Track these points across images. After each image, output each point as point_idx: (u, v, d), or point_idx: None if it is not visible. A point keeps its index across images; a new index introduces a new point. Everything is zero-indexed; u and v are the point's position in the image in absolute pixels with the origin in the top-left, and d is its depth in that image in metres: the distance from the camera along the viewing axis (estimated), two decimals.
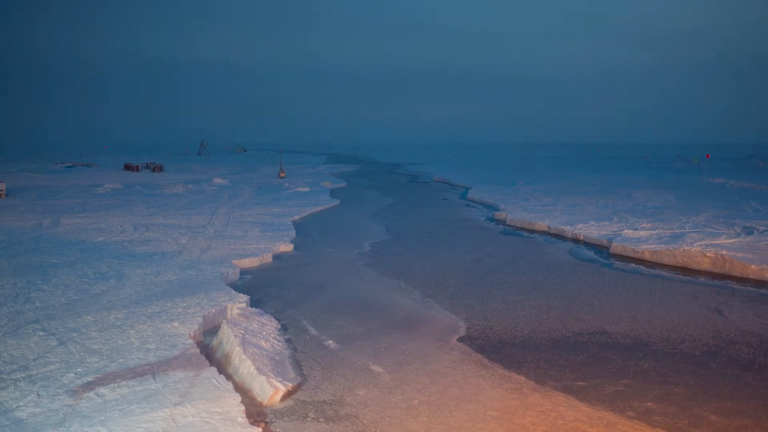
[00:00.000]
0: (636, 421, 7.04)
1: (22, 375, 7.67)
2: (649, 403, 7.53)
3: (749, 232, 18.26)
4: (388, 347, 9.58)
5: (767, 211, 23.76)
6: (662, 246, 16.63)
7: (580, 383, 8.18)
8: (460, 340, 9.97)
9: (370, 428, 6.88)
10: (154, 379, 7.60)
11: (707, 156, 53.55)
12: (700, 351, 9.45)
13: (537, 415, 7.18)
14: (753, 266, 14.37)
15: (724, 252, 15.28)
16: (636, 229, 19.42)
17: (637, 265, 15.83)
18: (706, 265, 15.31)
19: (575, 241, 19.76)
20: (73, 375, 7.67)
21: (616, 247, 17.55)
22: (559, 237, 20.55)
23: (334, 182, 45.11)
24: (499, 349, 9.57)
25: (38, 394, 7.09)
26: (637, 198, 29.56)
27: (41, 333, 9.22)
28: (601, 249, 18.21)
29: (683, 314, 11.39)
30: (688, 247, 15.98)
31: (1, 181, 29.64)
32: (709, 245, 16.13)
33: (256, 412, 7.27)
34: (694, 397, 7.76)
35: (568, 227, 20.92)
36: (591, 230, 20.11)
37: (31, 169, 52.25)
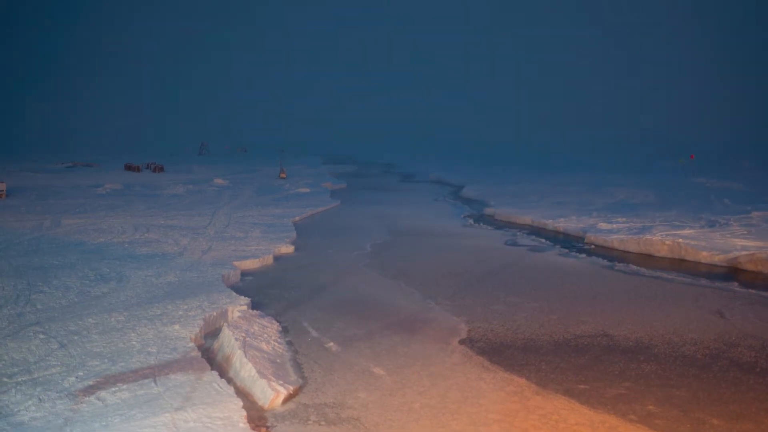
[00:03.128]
0: (638, 425, 7.03)
1: (23, 378, 7.67)
2: (650, 407, 7.52)
3: (711, 225, 20.34)
4: (389, 349, 9.57)
5: (736, 207, 25.57)
6: (629, 236, 18.67)
7: (582, 386, 8.17)
8: (461, 342, 9.96)
9: (371, 431, 6.88)
10: (155, 383, 7.59)
11: (692, 157, 56.16)
12: (702, 354, 9.44)
13: (539, 419, 7.18)
14: (704, 252, 16.66)
15: (680, 240, 17.54)
16: (611, 223, 21.38)
17: (638, 267, 15.82)
18: (664, 251, 17.52)
19: (555, 233, 21.65)
20: (74, 378, 7.66)
21: (590, 237, 19.68)
22: (542, 229, 22.32)
23: (334, 183, 45.15)
24: (501, 351, 9.56)
25: (39, 398, 7.08)
26: (619, 196, 31.54)
27: (42, 336, 9.22)
28: (577, 240, 20.21)
29: (685, 317, 11.39)
30: (650, 236, 18.17)
31: (2, 181, 29.59)
32: (669, 235, 18.31)
33: (257, 416, 7.27)
34: (695, 400, 7.75)
35: (550, 221, 22.77)
36: (570, 223, 21.97)
37: (31, 169, 52.25)
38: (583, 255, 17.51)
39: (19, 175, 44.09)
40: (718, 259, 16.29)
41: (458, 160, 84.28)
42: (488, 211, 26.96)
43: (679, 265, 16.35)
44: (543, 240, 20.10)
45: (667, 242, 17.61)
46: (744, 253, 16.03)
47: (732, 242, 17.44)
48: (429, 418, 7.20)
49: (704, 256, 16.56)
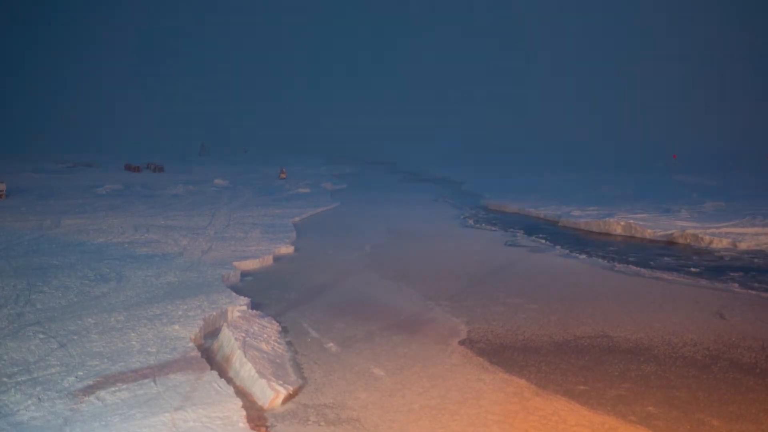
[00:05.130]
0: (638, 426, 7.03)
1: (23, 378, 7.66)
2: (651, 408, 7.52)
3: (666, 211, 24.77)
4: (389, 350, 9.56)
5: (699, 199, 29.27)
6: (593, 219, 23.24)
7: (582, 387, 8.16)
8: (461, 343, 9.95)
9: None
10: (154, 382, 7.58)
11: (674, 156, 60.80)
12: (702, 355, 9.44)
13: (538, 420, 7.17)
14: (648, 230, 21.03)
15: (632, 222, 21.95)
16: (583, 210, 25.91)
17: (638, 268, 15.82)
18: (619, 230, 21.91)
19: (537, 218, 26.29)
20: (73, 378, 7.66)
21: (563, 221, 24.35)
22: (525, 215, 27.19)
23: (335, 183, 45.17)
24: (500, 352, 9.55)
25: (39, 398, 7.08)
26: (602, 190, 36.05)
27: (42, 335, 9.21)
28: (554, 223, 24.46)
29: (685, 318, 11.38)
30: (609, 219, 22.72)
31: (2, 182, 29.60)
32: (624, 218, 22.79)
33: (256, 416, 7.26)
34: (696, 401, 7.74)
35: (533, 209, 27.62)
36: (549, 210, 26.67)
37: (31, 169, 52.25)
38: (584, 256, 17.52)
39: (19, 175, 44.11)
40: (658, 235, 20.74)
41: (461, 158, 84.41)
42: (483, 202, 31.91)
43: (630, 240, 20.71)
44: (534, 237, 20.13)
45: (621, 223, 22.21)
46: (677, 230, 20.49)
47: (674, 223, 21.79)
48: (428, 419, 7.19)
49: (648, 233, 20.93)
